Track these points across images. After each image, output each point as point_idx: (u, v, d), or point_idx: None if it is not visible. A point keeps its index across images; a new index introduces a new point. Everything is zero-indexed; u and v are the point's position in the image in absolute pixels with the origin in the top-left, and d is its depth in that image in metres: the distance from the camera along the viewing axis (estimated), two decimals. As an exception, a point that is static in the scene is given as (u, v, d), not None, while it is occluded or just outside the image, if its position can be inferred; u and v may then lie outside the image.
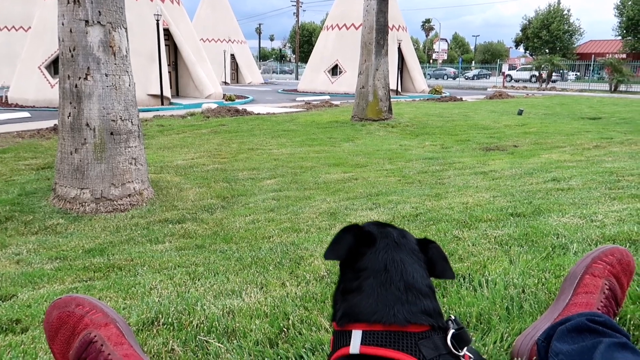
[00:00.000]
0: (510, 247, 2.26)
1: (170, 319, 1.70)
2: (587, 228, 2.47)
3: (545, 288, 1.72)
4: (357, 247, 0.94)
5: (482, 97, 22.41)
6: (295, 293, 1.90)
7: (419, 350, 0.82)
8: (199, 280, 2.22)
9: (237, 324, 1.61)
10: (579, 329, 1.21)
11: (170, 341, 1.51)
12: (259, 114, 13.71)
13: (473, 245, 2.36)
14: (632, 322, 1.43)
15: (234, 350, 1.44)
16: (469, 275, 1.92)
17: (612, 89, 26.26)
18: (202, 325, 1.63)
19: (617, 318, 1.43)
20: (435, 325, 0.87)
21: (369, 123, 11.16)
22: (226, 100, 17.99)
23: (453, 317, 0.92)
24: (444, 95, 22.61)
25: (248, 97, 20.47)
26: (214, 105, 14.19)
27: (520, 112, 13.40)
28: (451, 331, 0.87)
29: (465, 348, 0.88)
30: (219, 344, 1.48)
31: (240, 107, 14.17)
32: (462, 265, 2.02)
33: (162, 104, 15.59)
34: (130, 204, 4.71)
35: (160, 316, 1.73)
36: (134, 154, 4.86)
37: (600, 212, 2.79)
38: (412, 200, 4.10)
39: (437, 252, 0.99)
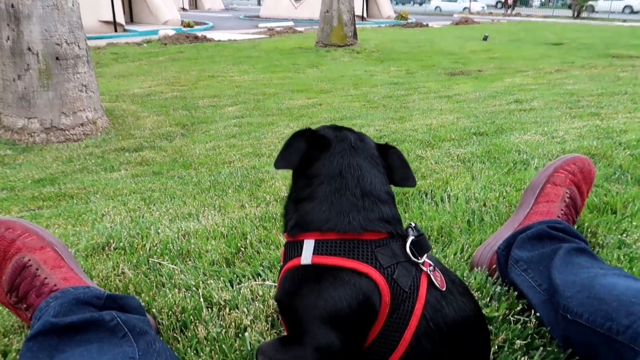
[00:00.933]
0: (472, 164, 2.24)
1: (122, 244, 1.62)
2: (548, 144, 2.46)
3: (506, 201, 1.71)
4: (310, 153, 0.85)
5: (448, 23, 21.99)
6: (254, 214, 1.84)
7: (375, 258, 0.76)
8: (154, 205, 2.13)
9: (192, 246, 1.54)
10: (539, 236, 1.19)
11: (121, 264, 1.43)
12: (219, 40, 13.08)
13: (436, 163, 2.33)
14: (589, 230, 1.43)
15: (189, 271, 1.38)
16: (431, 191, 1.89)
17: (575, 15, 26.19)
18: (155, 248, 1.56)
19: (576, 226, 1.43)
20: (393, 232, 0.81)
21: (334, 49, 10.83)
22: (184, 26, 17.05)
23: (413, 225, 0.86)
24: (410, 21, 22.07)
25: (208, 24, 19.46)
26: (171, 32, 13.44)
27: (485, 38, 13.25)
28: (410, 238, 0.81)
29: (425, 255, 0.83)
30: (173, 266, 1.41)
31: (199, 34, 13.46)
32: (425, 182, 1.99)
33: (116, 31, 14.64)
34: (83, 134, 4.47)
35: (112, 241, 1.64)
36: (84, 80, 4.55)
37: (561, 129, 2.79)
38: (376, 124, 4.03)
39: (397, 158, 0.91)
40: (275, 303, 1.17)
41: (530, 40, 13.22)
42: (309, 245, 0.77)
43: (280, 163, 0.84)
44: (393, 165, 0.90)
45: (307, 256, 0.76)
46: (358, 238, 0.77)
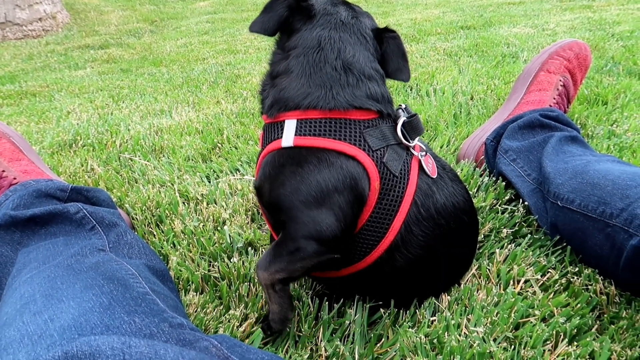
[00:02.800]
0: (459, 58, 2.14)
1: (90, 141, 1.52)
2: (538, 37, 2.35)
3: (495, 94, 1.64)
4: (290, 21, 0.73)
5: None
6: (231, 110, 1.74)
7: (364, 140, 0.68)
8: (123, 102, 2.00)
9: (166, 142, 1.45)
10: (531, 124, 1.14)
11: (90, 161, 1.35)
12: None
13: (421, 57, 2.22)
14: (579, 121, 1.38)
15: (163, 167, 1.31)
16: (417, 85, 1.80)
17: None
18: (125, 144, 1.47)
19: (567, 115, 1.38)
20: (383, 111, 0.71)
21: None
22: None
23: (403, 106, 0.76)
24: None
25: None
26: None
27: None
28: (402, 119, 0.73)
29: (417, 138, 0.75)
30: (145, 162, 1.33)
31: None
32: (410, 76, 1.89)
33: None
34: (43, 30, 4.15)
35: (79, 138, 1.54)
36: (37, -32, 4.14)
37: (551, 22, 2.66)
38: (358, 19, 3.82)
39: (395, 46, 0.77)
40: (254, 196, 1.12)
41: None
42: (290, 125, 0.68)
43: (255, 26, 0.72)
44: (388, 53, 0.76)
45: (288, 137, 0.67)
46: (344, 117, 0.68)
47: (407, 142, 0.73)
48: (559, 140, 1.06)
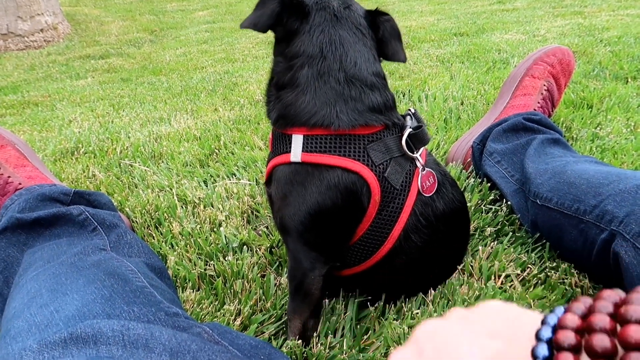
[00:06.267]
0: (451, 64, 2.19)
1: (91, 148, 1.57)
2: (529, 43, 2.40)
3: (484, 99, 1.68)
4: (284, 18, 0.73)
5: None
6: (228, 117, 1.79)
7: (367, 155, 0.71)
8: (123, 110, 2.05)
9: (165, 148, 1.50)
10: (514, 128, 1.18)
11: (91, 167, 1.40)
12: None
13: (414, 64, 2.27)
14: (564, 125, 1.43)
15: (162, 172, 1.35)
16: (409, 91, 1.85)
17: None
18: (126, 151, 1.52)
19: (551, 119, 1.43)
20: (388, 123, 0.73)
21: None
22: None
23: (412, 110, 0.78)
24: None
25: None
26: None
27: None
28: (408, 130, 0.74)
29: (422, 148, 0.77)
30: (145, 167, 1.38)
31: None
32: (403, 83, 1.94)
33: None
34: (44, 40, 4.21)
35: (81, 145, 1.59)
36: (39, -20, 4.21)
37: (542, 28, 2.72)
38: (354, 27, 3.87)
39: (390, 29, 0.78)
40: (249, 199, 1.16)
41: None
42: (297, 140, 0.71)
43: (246, 22, 0.73)
44: (384, 37, 0.77)
45: (296, 153, 0.71)
46: (350, 133, 0.71)
47: (411, 154, 0.75)
48: (540, 143, 1.11)
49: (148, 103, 2.13)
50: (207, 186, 1.26)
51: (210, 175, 1.32)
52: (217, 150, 1.47)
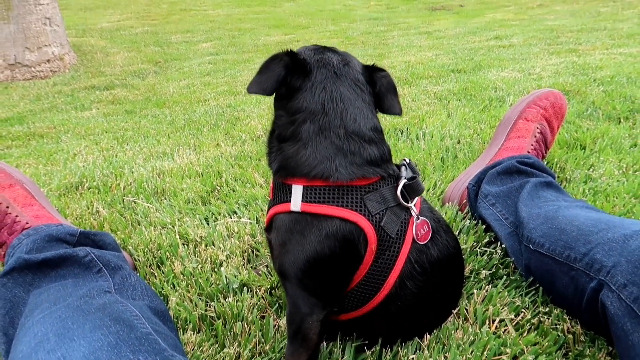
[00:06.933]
0: (449, 102, 2.24)
1: (95, 183, 1.60)
2: (525, 81, 2.46)
3: (480, 138, 1.73)
4: (288, 79, 0.78)
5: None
6: (230, 152, 1.83)
7: (364, 205, 0.74)
8: (127, 144, 2.09)
9: (167, 185, 1.53)
10: (508, 171, 1.22)
11: (95, 204, 1.43)
12: (191, -29, 12.42)
13: (413, 100, 2.32)
14: (558, 165, 1.46)
15: (164, 209, 1.38)
16: (407, 129, 1.90)
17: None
18: (129, 187, 1.55)
19: (545, 161, 1.46)
20: (384, 175, 0.77)
21: (312, -19, 10.40)
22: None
23: (407, 161, 0.82)
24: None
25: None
26: (139, -39, 12.67)
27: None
28: (403, 181, 0.78)
29: (417, 198, 0.80)
30: (148, 204, 1.41)
31: (169, -36, 12.73)
32: (401, 120, 1.99)
33: (79, -40, 13.74)
34: (50, 71, 4.30)
35: (85, 180, 1.63)
36: (47, 12, 4.32)
37: (538, 66, 2.79)
38: (354, 61, 3.97)
39: (386, 84, 0.83)
40: (249, 238, 1.19)
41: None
42: (297, 191, 0.75)
43: (253, 87, 0.77)
44: (381, 92, 0.82)
45: (296, 203, 0.74)
46: (347, 185, 0.74)
47: (406, 204, 0.78)
48: (534, 186, 1.14)
49: (152, 137, 2.18)
50: (208, 224, 1.29)
51: (212, 212, 1.35)
52: (218, 187, 1.51)
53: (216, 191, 1.49)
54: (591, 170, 1.40)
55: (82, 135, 2.38)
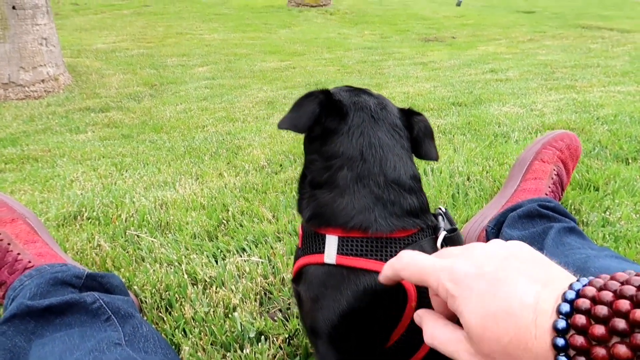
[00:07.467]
0: (453, 136, 2.23)
1: (95, 213, 1.54)
2: (527, 117, 2.47)
3: (490, 176, 1.70)
4: (322, 118, 0.74)
5: (422, -14, 21.69)
6: (234, 184, 1.78)
7: None
8: (126, 171, 2.04)
9: (172, 217, 1.48)
10: (530, 214, 1.19)
11: (96, 237, 1.36)
12: (186, -5, 12.53)
13: (417, 134, 2.30)
14: (573, 207, 1.44)
15: (169, 244, 1.32)
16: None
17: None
18: (131, 219, 1.49)
19: (561, 203, 1.44)
20: (423, 226, 0.72)
21: (307, 9, 10.55)
22: (149, -22, 16.21)
23: (443, 210, 0.77)
24: (383, -18, 21.63)
25: (174, -24, 18.56)
26: (135, -16, 12.77)
27: (458, 4, 13.18)
28: (443, 233, 0.73)
29: None
30: (152, 239, 1.35)
31: (165, -13, 12.84)
32: (407, 154, 1.96)
33: (75, -20, 13.81)
34: (45, 91, 4.23)
35: (84, 210, 1.56)
36: (44, 33, 4.28)
37: (539, 102, 2.81)
38: (352, 90, 3.97)
39: (424, 129, 0.80)
40: (262, 279, 1.13)
41: (502, 7, 13.22)
42: (331, 241, 0.70)
43: (286, 123, 0.73)
44: (419, 137, 0.79)
45: (330, 255, 0.69)
46: (386, 237, 0.69)
47: None
48: (557, 232, 1.11)
49: (151, 164, 2.12)
50: (217, 262, 1.23)
51: (219, 249, 1.30)
52: (225, 222, 1.45)
53: (223, 226, 1.44)
54: (607, 213, 1.38)
55: (79, 160, 2.31)
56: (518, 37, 7.83)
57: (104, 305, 0.85)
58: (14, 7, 4.03)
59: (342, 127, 0.74)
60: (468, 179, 1.70)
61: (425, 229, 0.73)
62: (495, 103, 2.86)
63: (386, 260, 0.69)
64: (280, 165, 1.99)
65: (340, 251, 0.70)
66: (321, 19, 9.67)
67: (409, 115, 0.81)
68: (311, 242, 0.74)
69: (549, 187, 1.33)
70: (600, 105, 2.60)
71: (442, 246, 0.73)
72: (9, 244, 0.98)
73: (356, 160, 0.72)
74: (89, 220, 1.50)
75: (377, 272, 0.69)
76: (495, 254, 0.45)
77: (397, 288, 0.69)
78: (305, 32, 8.23)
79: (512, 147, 2.01)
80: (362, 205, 0.70)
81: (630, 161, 1.79)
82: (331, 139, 0.74)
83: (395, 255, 0.71)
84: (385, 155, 0.73)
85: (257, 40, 7.15)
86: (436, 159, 0.81)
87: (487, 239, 1.22)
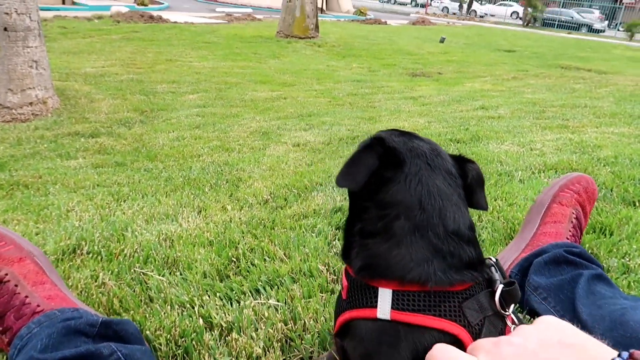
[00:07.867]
0: (457, 173, 2.21)
1: (95, 247, 1.47)
2: (528, 156, 2.48)
3: (501, 216, 1.68)
4: (381, 171, 0.71)
5: (405, 22, 22.25)
6: (240, 218, 1.72)
7: (464, 315, 0.65)
8: (124, 202, 1.96)
9: (178, 254, 1.41)
10: (557, 261, 1.16)
11: (100, 274, 1.29)
12: (175, 22, 12.59)
13: (420, 170, 2.29)
14: (590, 252, 1.42)
15: (179, 283, 1.26)
16: (423, 201, 1.84)
17: (525, 24, 27.20)
18: (135, 254, 1.42)
19: (580, 248, 1.42)
20: (480, 279, 0.69)
21: (295, 40, 10.67)
22: (138, 4, 16.29)
23: (494, 260, 0.73)
24: (368, 17, 22.15)
25: (163, 3, 18.70)
26: (124, 9, 12.80)
27: (442, 40, 13.50)
28: (500, 287, 0.69)
29: (512, 306, 0.70)
30: (160, 277, 1.28)
31: (154, 14, 12.89)
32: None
33: (64, 3, 13.81)
34: (32, 114, 4.13)
35: (84, 243, 1.49)
36: (35, 55, 4.20)
37: (537, 141, 2.83)
38: (346, 122, 3.97)
39: (476, 177, 0.77)
40: (282, 325, 1.07)
41: (484, 45, 13.60)
42: (385, 295, 0.65)
43: (345, 180, 0.70)
44: (472, 185, 0.76)
45: (384, 310, 0.65)
46: (444, 290, 0.66)
47: (503, 312, 0.69)
48: (587, 281, 1.08)
49: (150, 195, 2.05)
50: (231, 305, 1.17)
51: (232, 289, 1.23)
52: (235, 260, 1.39)
53: (233, 264, 1.38)
54: (627, 259, 1.36)
55: (72, 188, 2.23)
56: (502, 74, 8.02)
57: (122, 358, 0.79)
58: (5, 29, 3.96)
59: (399, 176, 0.71)
60: (479, 219, 1.68)
61: (482, 281, 0.70)
62: (493, 141, 2.88)
63: (445, 316, 0.65)
64: (285, 200, 1.94)
65: (395, 306, 0.65)
66: (309, 51, 9.78)
67: (462, 163, 0.78)
68: (360, 294, 0.69)
69: (570, 230, 1.31)
70: (598, 146, 2.63)
71: (499, 301, 0.70)
72: (16, 285, 0.91)
73: (414, 210, 0.69)
74: (90, 255, 1.42)
75: (437, 330, 0.65)
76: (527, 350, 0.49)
77: (458, 345, 0.65)
78: (295, 63, 8.30)
79: (517, 186, 2.01)
80: (420, 257, 0.66)
81: (637, 204, 1.79)
82: (387, 187, 0.71)
83: (452, 310, 0.67)
84: (444, 205, 0.70)
85: (247, 70, 7.17)
86: (486, 208, 0.78)
87: (512, 285, 1.19)
